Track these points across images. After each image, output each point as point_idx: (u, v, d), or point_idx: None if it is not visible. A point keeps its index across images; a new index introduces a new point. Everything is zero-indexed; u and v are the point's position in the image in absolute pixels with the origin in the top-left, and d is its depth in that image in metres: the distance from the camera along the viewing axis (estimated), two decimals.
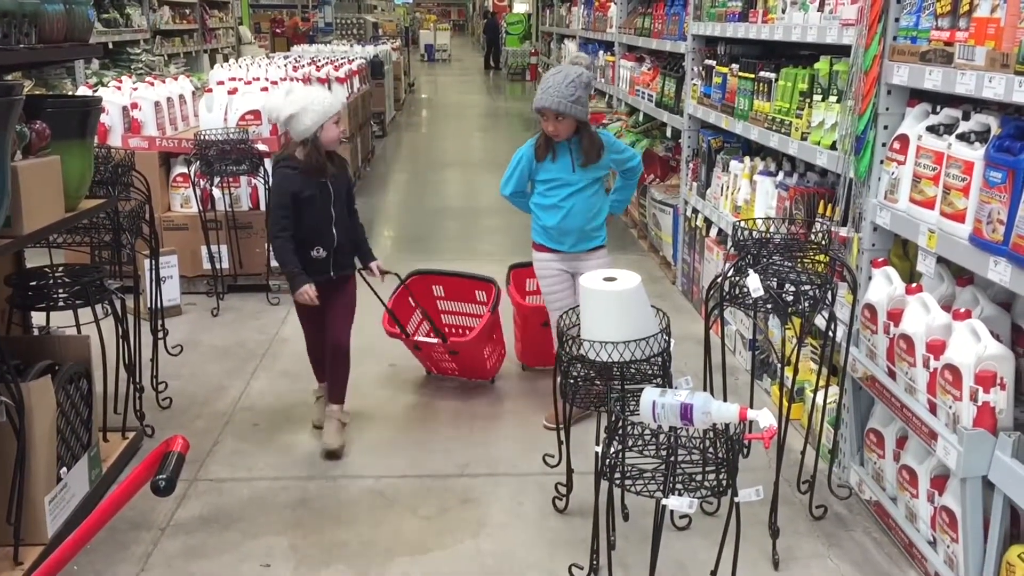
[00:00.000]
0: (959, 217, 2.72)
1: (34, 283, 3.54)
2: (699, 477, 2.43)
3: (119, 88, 6.13)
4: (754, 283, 2.89)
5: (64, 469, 3.10)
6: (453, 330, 4.74)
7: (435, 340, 4.34)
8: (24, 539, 2.87)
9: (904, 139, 3.06)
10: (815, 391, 3.55)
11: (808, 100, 3.89)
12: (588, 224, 3.89)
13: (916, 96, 3.15)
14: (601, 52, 9.61)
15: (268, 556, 3.08)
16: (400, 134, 14.61)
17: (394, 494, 3.48)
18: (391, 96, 15.20)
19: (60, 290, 3.53)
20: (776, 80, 4.26)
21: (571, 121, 3.70)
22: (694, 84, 5.67)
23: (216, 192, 5.70)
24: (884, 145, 3.20)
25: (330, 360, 3.90)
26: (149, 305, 4.62)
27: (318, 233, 3.71)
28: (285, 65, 8.95)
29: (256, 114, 5.89)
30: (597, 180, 3.88)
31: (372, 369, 4.63)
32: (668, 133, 6.72)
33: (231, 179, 5.70)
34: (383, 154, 12.30)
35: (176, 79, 7.02)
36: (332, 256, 3.74)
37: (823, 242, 3.28)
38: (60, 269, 3.69)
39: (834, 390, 3.54)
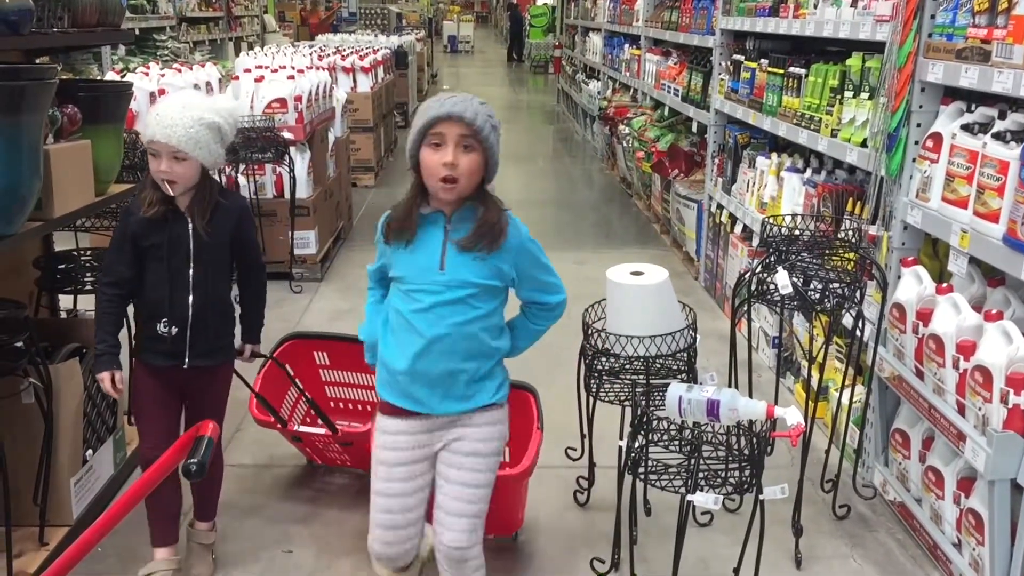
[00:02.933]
0: (993, 217, 2.69)
1: (62, 266, 3.57)
2: (723, 473, 2.41)
3: (146, 74, 6.15)
4: (783, 280, 2.87)
5: (90, 451, 3.12)
6: (344, 405, 3.74)
7: (321, 430, 3.33)
8: (50, 520, 2.89)
9: (937, 137, 3.03)
10: (840, 390, 3.53)
11: (839, 96, 3.86)
12: (464, 365, 2.31)
13: (950, 94, 3.11)
14: (627, 45, 9.57)
15: (290, 542, 3.09)
16: None
17: None
18: (414, 87, 15.20)
19: (88, 273, 3.56)
20: (806, 76, 4.23)
21: (479, 162, 2.22)
22: (721, 79, 5.63)
23: (241, 179, 5.72)
24: (917, 143, 3.17)
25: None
26: None
27: (164, 300, 2.67)
28: (310, 54, 8.97)
29: (282, 102, 5.90)
30: (489, 292, 2.30)
31: None
32: (694, 128, 6.68)
33: (256, 167, 5.72)
34: (405, 144, 12.29)
35: (203, 66, 7.05)
36: (187, 336, 2.69)
37: (853, 240, 3.25)
38: (87, 253, 3.72)
39: (859, 389, 3.52)
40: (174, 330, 2.67)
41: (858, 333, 3.18)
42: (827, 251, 3.18)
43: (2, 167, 2.38)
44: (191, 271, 2.67)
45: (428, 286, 2.24)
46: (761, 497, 2.43)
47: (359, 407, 3.71)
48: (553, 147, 12.65)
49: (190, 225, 2.65)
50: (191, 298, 2.67)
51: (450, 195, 2.21)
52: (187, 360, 2.71)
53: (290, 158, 5.64)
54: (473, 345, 2.28)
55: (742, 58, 5.25)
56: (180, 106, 2.56)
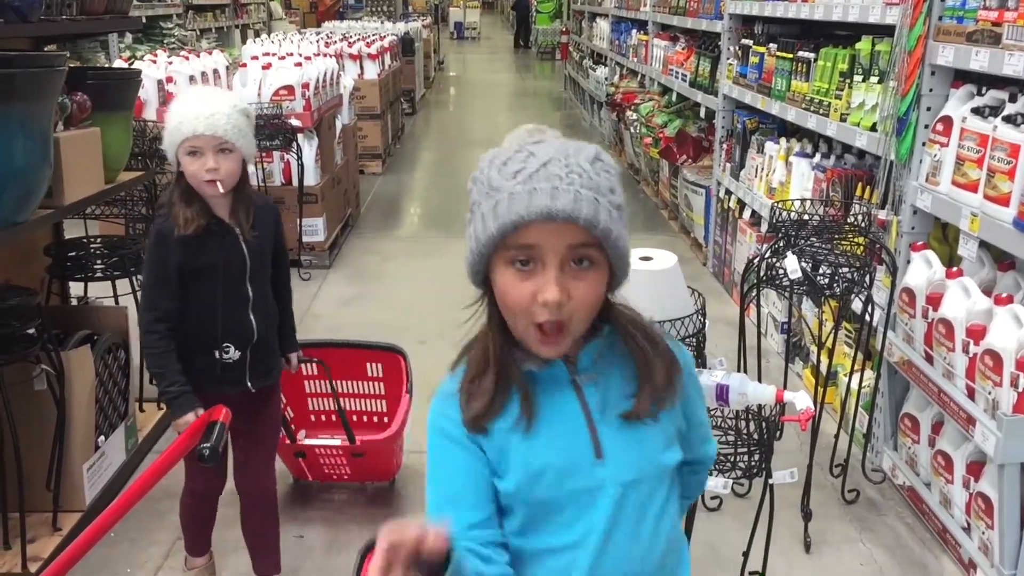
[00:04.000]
0: (1003, 200, 2.68)
1: (73, 253, 3.58)
2: (733, 458, 2.42)
3: (154, 62, 6.16)
4: (792, 264, 2.87)
5: (102, 438, 3.14)
6: (326, 418, 3.54)
7: (335, 442, 3.18)
8: (63, 506, 2.91)
9: (948, 121, 3.02)
10: (849, 375, 3.53)
11: (848, 81, 3.84)
12: None
13: (960, 77, 3.10)
14: (634, 31, 9.53)
15: (302, 528, 3.11)
16: (429, 112, 14.59)
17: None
18: (421, 74, 15.17)
19: (98, 261, 3.57)
20: (815, 60, 4.21)
21: (601, 281, 1.23)
22: (730, 64, 5.61)
23: (249, 167, 5.71)
24: (927, 127, 3.16)
25: (251, 516, 2.70)
26: None
27: (222, 323, 2.40)
28: (317, 41, 8.95)
29: (289, 89, 5.90)
30: (665, 471, 1.33)
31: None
32: (702, 114, 6.66)
33: (264, 154, 5.72)
34: (412, 131, 12.30)
35: (210, 54, 7.05)
36: (249, 358, 2.45)
37: (862, 225, 3.25)
38: (97, 240, 3.73)
39: (868, 374, 3.51)
40: (237, 354, 2.42)
41: (867, 318, 3.17)
42: (836, 236, 3.17)
43: (12, 154, 2.38)
44: (249, 287, 2.42)
45: (589, 476, 1.26)
46: (771, 481, 2.44)
47: (368, 420, 3.54)
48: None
49: (240, 235, 2.39)
50: (253, 317, 2.43)
51: (554, 350, 1.24)
52: (250, 383, 2.47)
53: (298, 145, 5.65)
54: (660, 548, 1.32)
55: (751, 43, 5.23)
56: (212, 96, 2.33)
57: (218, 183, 2.30)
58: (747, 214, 5.20)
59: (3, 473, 2.66)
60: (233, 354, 2.41)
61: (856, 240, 3.20)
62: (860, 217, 3.33)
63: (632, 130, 8.47)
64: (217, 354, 2.41)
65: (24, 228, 2.62)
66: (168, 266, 2.33)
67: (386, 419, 3.49)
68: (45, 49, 3.71)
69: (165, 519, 3.10)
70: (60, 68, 2.59)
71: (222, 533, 3.00)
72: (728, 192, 5.55)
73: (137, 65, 6.04)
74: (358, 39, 9.79)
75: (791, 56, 4.51)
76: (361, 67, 9.06)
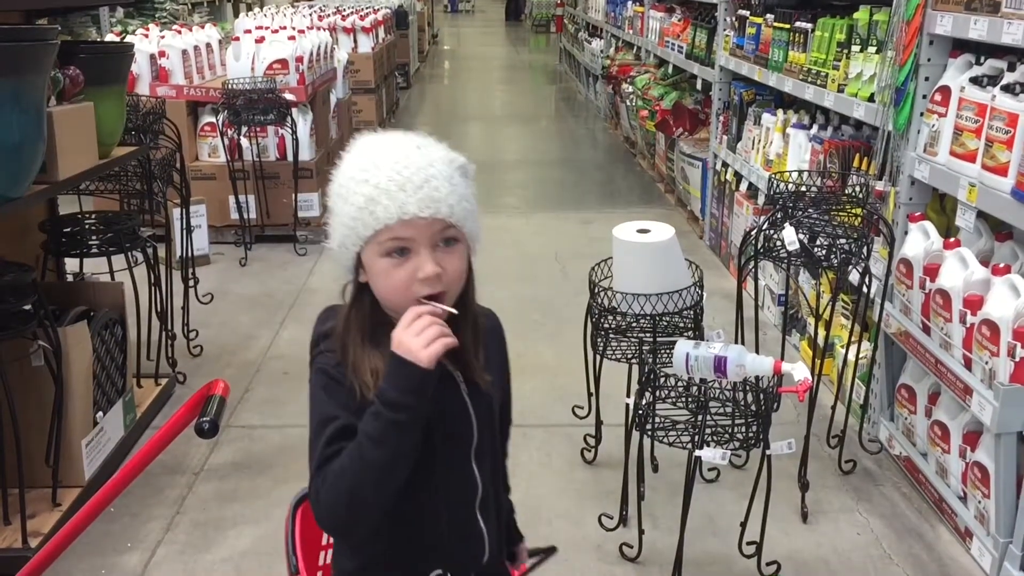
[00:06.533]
0: (1002, 171, 2.67)
1: (68, 229, 3.56)
2: (731, 429, 2.43)
3: (146, 36, 6.10)
4: (790, 236, 2.87)
5: (100, 414, 3.14)
6: None
7: None
8: (62, 481, 2.91)
9: (946, 91, 3.00)
10: (846, 346, 3.54)
11: (846, 51, 3.82)
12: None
13: (959, 47, 3.08)
14: (629, 3, 9.47)
15: None
16: (424, 86, 14.51)
17: None
18: (415, 47, 15.07)
19: (94, 237, 3.55)
20: (813, 30, 4.19)
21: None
22: (726, 35, 5.57)
23: (244, 142, 5.69)
24: (925, 97, 3.14)
25: None
26: (178, 254, 4.64)
27: (433, 533, 1.48)
28: (311, 14, 8.88)
29: (283, 63, 5.86)
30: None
31: None
32: (698, 86, 6.63)
33: (258, 129, 5.69)
34: (407, 106, 12.23)
35: (202, 28, 6.98)
36: None
37: (859, 196, 3.24)
38: (92, 216, 3.71)
39: (865, 346, 3.52)
40: None
41: (865, 289, 3.17)
42: (834, 207, 3.16)
43: (7, 129, 2.36)
44: (476, 469, 1.49)
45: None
46: (768, 452, 2.45)
47: None
48: (556, 107, 12.56)
49: (461, 383, 1.47)
50: (482, 520, 1.51)
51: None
52: None
53: (292, 120, 5.62)
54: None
55: (747, 13, 5.19)
56: (415, 149, 1.39)
57: (443, 297, 1.38)
58: (744, 186, 5.19)
59: (2, 449, 2.66)
60: None
61: (854, 211, 3.19)
62: (858, 188, 3.32)
63: (628, 103, 8.43)
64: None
65: (19, 204, 2.60)
66: (333, 425, 1.38)
67: None
68: (36, 23, 3.67)
69: (164, 494, 3.12)
70: (53, 41, 2.56)
71: (223, 510, 3.02)
72: (725, 165, 5.54)
73: (129, 39, 5.99)
74: (352, 12, 9.71)
75: (788, 27, 4.48)
76: (355, 40, 8.99)
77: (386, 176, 1.35)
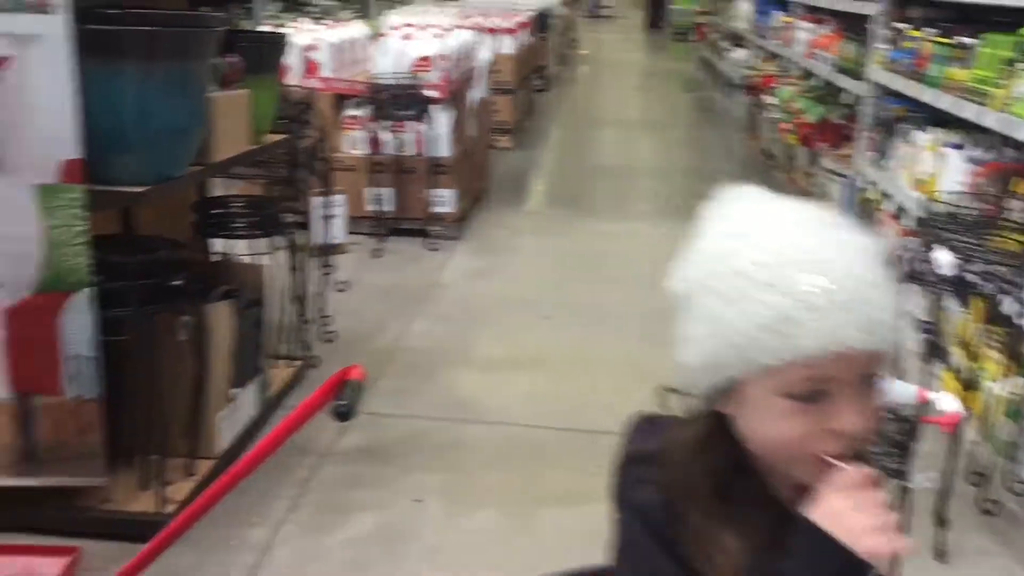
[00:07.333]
0: None
1: (216, 211, 3.71)
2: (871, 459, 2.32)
3: (298, 29, 6.31)
4: (945, 258, 2.73)
5: (236, 390, 3.25)
6: None
7: None
8: (196, 452, 3.03)
9: None
10: (994, 380, 3.35)
11: (1011, 69, 3.62)
12: None
13: None
14: (777, 12, 9.25)
15: (421, 492, 3.14)
16: (561, 89, 14.51)
17: (548, 445, 3.49)
18: (555, 51, 15.10)
19: (238, 219, 3.68)
20: (978, 46, 3.98)
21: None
22: (881, 49, 5.37)
23: (385, 135, 5.82)
24: None
25: None
26: (316, 242, 4.76)
27: None
28: (456, 14, 9.01)
29: (427, 60, 5.96)
30: None
31: (527, 317, 4.65)
32: (845, 100, 6.41)
33: (399, 123, 5.80)
34: (544, 109, 12.27)
35: (352, 24, 7.17)
36: None
37: (1020, 222, 3.06)
38: (240, 199, 3.85)
39: (1017, 381, 3.32)
40: None
41: (1019, 320, 2.99)
42: (990, 232, 3.00)
43: (174, 112, 2.47)
44: None
45: None
46: (910, 485, 2.33)
47: None
48: (692, 116, 12.38)
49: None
50: None
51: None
52: None
53: (430, 116, 5.71)
54: None
55: (905, 27, 4.99)
56: (837, 235, 1.04)
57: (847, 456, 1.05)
58: (890, 206, 4.99)
59: (146, 418, 2.78)
60: None
61: (1011, 237, 3.02)
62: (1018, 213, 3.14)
63: (769, 115, 8.23)
64: None
65: (179, 183, 2.71)
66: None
67: None
68: (200, 11, 3.83)
69: (292, 473, 3.19)
70: (216, 29, 2.67)
71: (346, 494, 3.07)
72: (870, 182, 5.33)
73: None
74: (496, 14, 9.80)
75: (951, 42, 4.28)
76: (497, 42, 9.08)
77: (809, 283, 0.96)
